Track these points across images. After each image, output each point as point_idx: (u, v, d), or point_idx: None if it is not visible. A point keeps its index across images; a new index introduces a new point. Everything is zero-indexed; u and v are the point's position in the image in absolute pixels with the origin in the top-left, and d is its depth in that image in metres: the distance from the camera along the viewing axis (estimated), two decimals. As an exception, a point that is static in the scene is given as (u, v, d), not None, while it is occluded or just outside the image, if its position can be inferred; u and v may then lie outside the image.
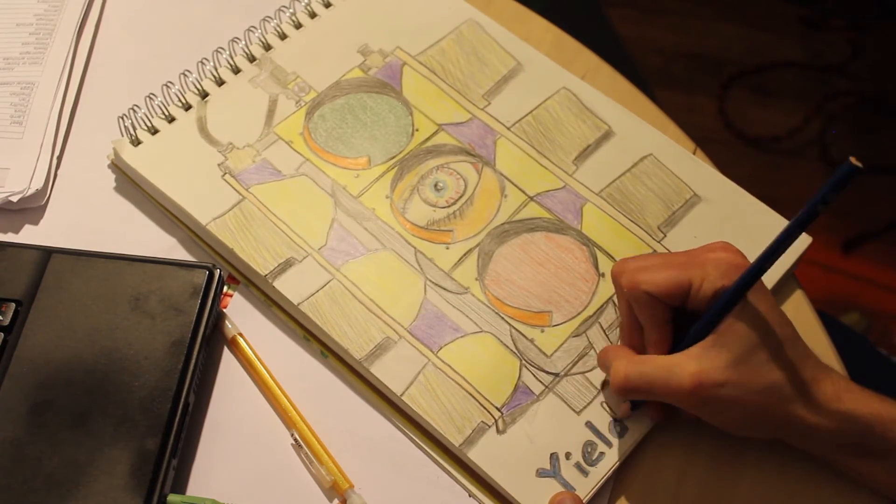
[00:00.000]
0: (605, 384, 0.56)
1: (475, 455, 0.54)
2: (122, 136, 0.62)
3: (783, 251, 0.48)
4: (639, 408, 0.55)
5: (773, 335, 0.50)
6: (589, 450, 0.54)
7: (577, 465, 0.54)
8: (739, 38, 1.62)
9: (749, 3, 1.66)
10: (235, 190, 0.61)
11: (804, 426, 0.51)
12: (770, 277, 0.59)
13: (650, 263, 0.54)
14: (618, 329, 0.58)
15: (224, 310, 0.59)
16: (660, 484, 0.55)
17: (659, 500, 0.55)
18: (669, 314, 0.53)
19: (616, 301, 0.59)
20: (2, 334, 0.54)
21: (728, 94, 1.57)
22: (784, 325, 0.51)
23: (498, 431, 0.55)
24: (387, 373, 0.56)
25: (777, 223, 0.62)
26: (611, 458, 0.54)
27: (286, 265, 0.58)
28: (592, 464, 0.54)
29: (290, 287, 0.58)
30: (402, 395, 0.55)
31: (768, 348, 0.50)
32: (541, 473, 0.54)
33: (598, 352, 0.57)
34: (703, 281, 0.51)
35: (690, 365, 0.50)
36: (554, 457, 0.54)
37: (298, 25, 0.68)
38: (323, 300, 0.57)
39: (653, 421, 0.56)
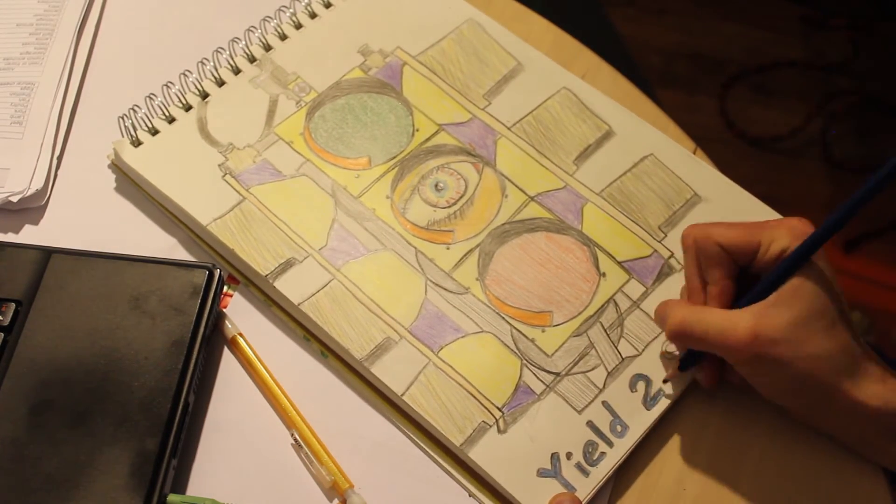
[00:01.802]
0: (663, 355, 0.57)
1: (476, 454, 0.54)
2: (123, 136, 0.62)
3: (856, 214, 0.49)
4: (688, 368, 0.56)
5: (833, 305, 0.51)
6: (590, 450, 0.54)
7: (578, 465, 0.54)
8: (740, 37, 1.62)
9: (750, 3, 1.65)
10: (236, 190, 0.61)
11: (847, 401, 0.51)
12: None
13: (725, 222, 0.55)
14: (618, 329, 0.58)
15: (224, 310, 0.59)
16: (660, 484, 0.55)
17: (659, 500, 0.55)
18: (735, 271, 0.54)
19: (612, 301, 0.59)
20: (2, 334, 0.54)
21: (729, 94, 1.56)
22: (841, 299, 0.52)
23: (499, 431, 0.54)
24: (387, 373, 0.56)
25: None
26: (612, 458, 0.54)
27: (287, 265, 0.58)
28: (593, 464, 0.54)
29: (290, 287, 0.58)
30: (402, 394, 0.55)
31: (827, 317, 0.51)
32: (541, 473, 0.53)
33: (657, 308, 0.58)
34: (771, 242, 0.53)
35: (749, 319, 0.51)
36: (555, 456, 0.54)
37: (299, 26, 0.68)
38: (323, 300, 0.57)
39: (702, 384, 0.56)
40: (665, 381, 0.56)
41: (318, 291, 0.58)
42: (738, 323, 0.51)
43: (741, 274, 0.55)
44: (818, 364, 0.51)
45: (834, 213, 0.50)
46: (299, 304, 0.57)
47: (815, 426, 0.55)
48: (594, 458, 0.54)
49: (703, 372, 0.56)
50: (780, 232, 0.53)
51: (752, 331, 0.51)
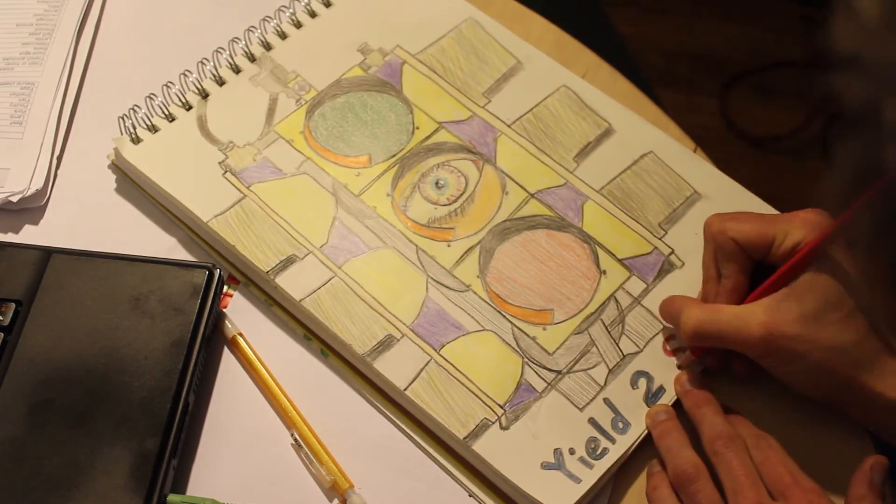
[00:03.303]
0: (669, 337, 0.58)
1: (480, 448, 0.53)
2: (123, 135, 0.62)
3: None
4: (703, 360, 0.56)
5: (849, 298, 0.51)
6: (592, 446, 0.54)
7: (582, 459, 0.54)
8: (741, 37, 1.62)
9: (751, 3, 1.65)
10: (236, 188, 0.61)
11: (867, 394, 0.51)
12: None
13: (741, 215, 0.56)
14: (619, 326, 0.58)
15: (224, 310, 0.59)
16: (663, 482, 0.55)
17: (662, 498, 0.55)
18: (750, 266, 0.55)
19: (613, 298, 0.59)
20: (2, 334, 0.54)
21: (730, 94, 1.56)
22: (859, 291, 0.52)
23: (501, 427, 0.54)
24: (390, 369, 0.55)
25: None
26: (615, 454, 0.54)
27: (288, 262, 0.58)
28: (597, 458, 0.54)
29: (291, 284, 0.57)
30: (405, 389, 0.55)
31: (842, 309, 0.51)
32: (545, 466, 0.53)
33: (661, 302, 0.58)
34: (786, 236, 0.53)
35: (762, 315, 0.52)
36: (558, 451, 0.54)
37: (298, 25, 0.68)
38: (325, 297, 0.57)
39: (709, 365, 0.57)
40: (680, 367, 0.57)
41: (320, 288, 0.58)
42: (750, 320, 0.52)
43: (757, 266, 0.55)
44: (834, 356, 0.51)
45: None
46: (301, 301, 0.57)
47: (842, 411, 0.55)
48: (597, 452, 0.54)
49: (711, 359, 0.57)
50: (794, 225, 0.53)
51: (765, 327, 0.51)
